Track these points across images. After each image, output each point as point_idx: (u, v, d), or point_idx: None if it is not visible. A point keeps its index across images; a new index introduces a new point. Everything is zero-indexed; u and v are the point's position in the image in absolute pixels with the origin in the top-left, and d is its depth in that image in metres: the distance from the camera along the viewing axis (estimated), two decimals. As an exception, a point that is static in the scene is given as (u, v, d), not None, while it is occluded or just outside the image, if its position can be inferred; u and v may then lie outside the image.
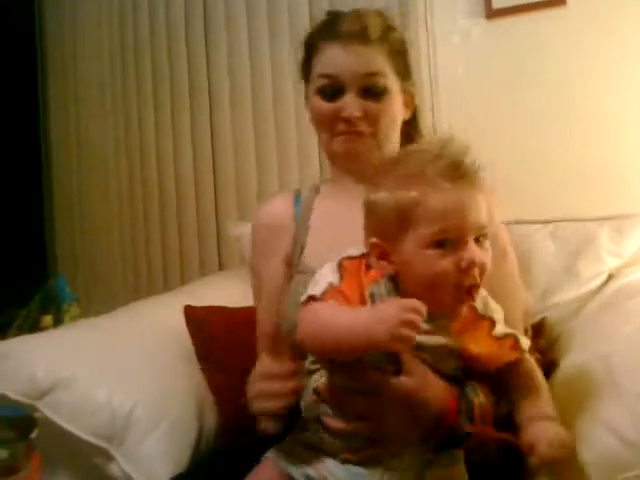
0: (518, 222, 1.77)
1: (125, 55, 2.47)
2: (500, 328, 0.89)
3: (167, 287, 2.30)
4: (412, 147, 0.95)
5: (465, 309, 0.86)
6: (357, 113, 1.07)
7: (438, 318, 0.84)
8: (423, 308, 0.76)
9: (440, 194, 0.82)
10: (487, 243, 0.86)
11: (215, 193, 2.37)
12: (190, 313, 1.46)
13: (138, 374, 1.31)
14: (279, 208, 1.20)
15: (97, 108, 2.54)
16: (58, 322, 2.02)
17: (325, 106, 1.10)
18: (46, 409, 1.24)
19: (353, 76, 1.08)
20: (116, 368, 1.32)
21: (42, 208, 2.69)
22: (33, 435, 1.38)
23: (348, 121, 1.08)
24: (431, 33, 2.03)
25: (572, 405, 0.99)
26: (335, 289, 0.85)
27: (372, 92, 1.09)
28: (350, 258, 0.90)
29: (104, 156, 2.54)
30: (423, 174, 0.84)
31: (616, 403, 0.91)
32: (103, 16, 2.51)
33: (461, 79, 2.00)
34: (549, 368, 1.17)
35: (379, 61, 1.10)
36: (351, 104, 1.07)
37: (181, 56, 2.37)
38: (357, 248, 0.91)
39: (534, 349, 1.20)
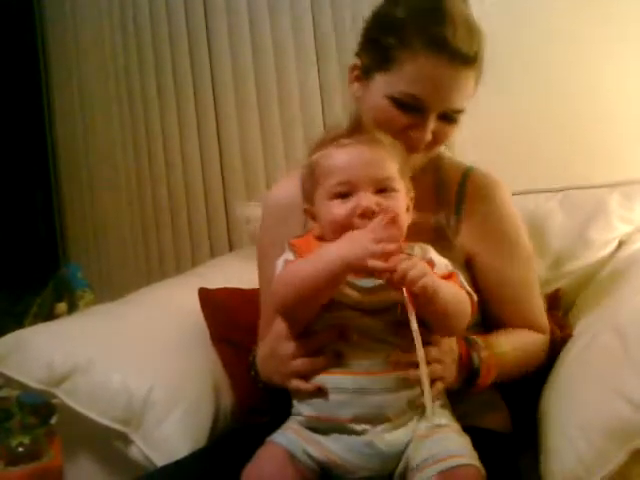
0: (527, 192, 1.76)
1: (127, 40, 2.46)
2: (442, 267, 0.93)
3: (179, 270, 2.32)
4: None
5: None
6: (429, 137, 1.02)
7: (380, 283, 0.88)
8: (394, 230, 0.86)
9: (337, 151, 0.91)
10: (394, 194, 0.90)
11: (222, 174, 2.37)
12: (204, 295, 1.46)
13: (154, 357, 1.33)
14: (288, 191, 1.16)
15: (102, 94, 2.54)
16: (72, 309, 2.04)
17: (401, 120, 1.01)
18: (64, 395, 1.26)
19: (441, 103, 1.00)
20: (132, 352, 1.33)
21: (52, 197, 2.70)
22: (53, 421, 1.41)
23: (419, 140, 1.02)
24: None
25: (585, 374, 0.99)
26: (292, 262, 0.92)
27: (449, 118, 1.03)
28: (297, 237, 0.98)
29: (112, 143, 2.55)
30: (329, 137, 0.93)
31: (629, 371, 0.90)
32: (103, 10, 2.50)
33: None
34: (568, 339, 1.18)
35: (470, 87, 1.03)
36: (429, 129, 1.01)
37: (183, 40, 2.36)
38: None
39: (553, 323, 1.21)
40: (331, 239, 0.89)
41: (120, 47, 2.48)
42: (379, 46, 1.02)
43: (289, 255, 0.93)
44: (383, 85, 1.02)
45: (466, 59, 0.98)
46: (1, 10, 2.59)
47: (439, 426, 0.86)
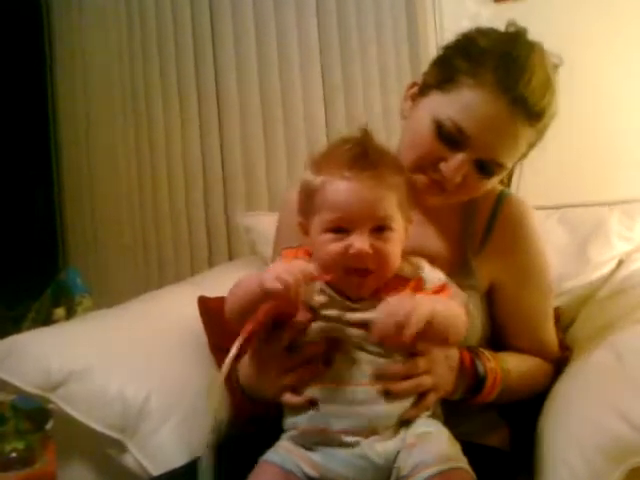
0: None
1: (133, 46, 2.47)
2: (435, 281, 0.92)
3: (178, 278, 2.31)
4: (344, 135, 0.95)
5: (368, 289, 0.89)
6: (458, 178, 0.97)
7: (365, 300, 0.89)
8: (310, 267, 0.85)
9: (337, 184, 0.87)
10: (389, 233, 0.88)
11: (224, 183, 2.37)
12: (203, 304, 1.46)
13: (151, 365, 1.32)
14: None
15: (106, 98, 2.55)
16: (70, 314, 2.04)
17: (437, 149, 0.96)
18: (60, 401, 1.25)
19: (484, 146, 0.94)
20: (129, 359, 1.33)
21: (52, 201, 2.70)
22: (48, 426, 1.40)
23: (447, 178, 0.97)
24: (439, 17, 2.02)
25: (582, 392, 0.99)
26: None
27: (487, 170, 0.97)
28: (288, 248, 0.98)
29: (113, 148, 2.55)
30: (330, 161, 0.89)
31: (626, 389, 0.91)
32: (110, 11, 2.51)
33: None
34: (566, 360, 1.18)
35: (521, 146, 0.98)
36: (462, 170, 0.95)
37: (188, 50, 2.37)
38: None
39: (559, 345, 1.21)
40: (319, 272, 0.88)
41: (126, 54, 2.49)
42: (448, 65, 0.98)
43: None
44: (435, 105, 0.96)
45: (529, 111, 0.92)
46: (7, 10, 2.60)
47: (428, 433, 0.86)
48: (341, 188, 0.87)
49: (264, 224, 1.81)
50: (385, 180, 0.88)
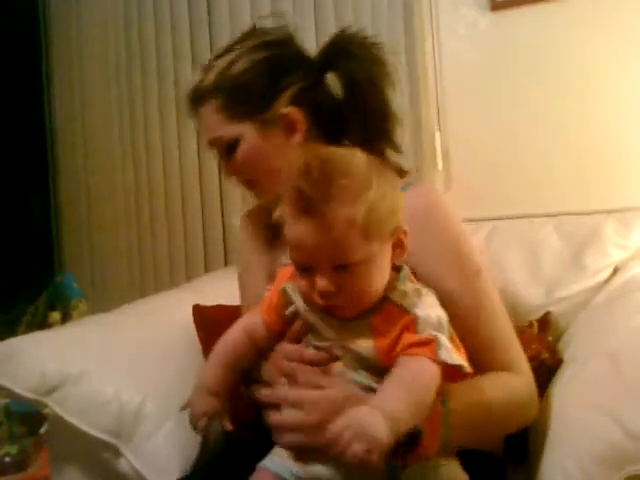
0: (522, 216, 1.77)
1: (130, 51, 2.47)
2: (427, 328, 0.80)
3: (173, 283, 2.31)
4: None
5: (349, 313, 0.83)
6: None
7: (356, 319, 0.83)
8: None
9: (290, 224, 0.80)
10: (355, 268, 0.79)
11: (220, 188, 2.37)
12: (198, 313, 1.46)
13: (146, 370, 1.32)
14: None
15: (102, 104, 2.55)
16: (66, 319, 2.03)
17: None
18: (55, 405, 1.25)
19: None
20: (124, 364, 1.33)
21: (49, 205, 2.70)
22: (42, 430, 1.40)
23: None
24: (436, 25, 2.03)
25: (578, 399, 0.99)
26: (265, 298, 0.92)
27: None
28: (285, 265, 0.92)
29: (110, 153, 2.55)
30: (285, 196, 0.81)
31: (622, 396, 0.91)
32: (108, 15, 2.50)
33: (466, 70, 2.00)
34: (557, 365, 1.18)
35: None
36: None
37: (185, 51, 2.36)
38: None
39: (542, 347, 1.21)
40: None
41: (123, 60, 2.48)
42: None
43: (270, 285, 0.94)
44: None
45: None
46: (4, 12, 2.59)
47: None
48: (292, 230, 0.80)
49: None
50: (335, 219, 0.76)
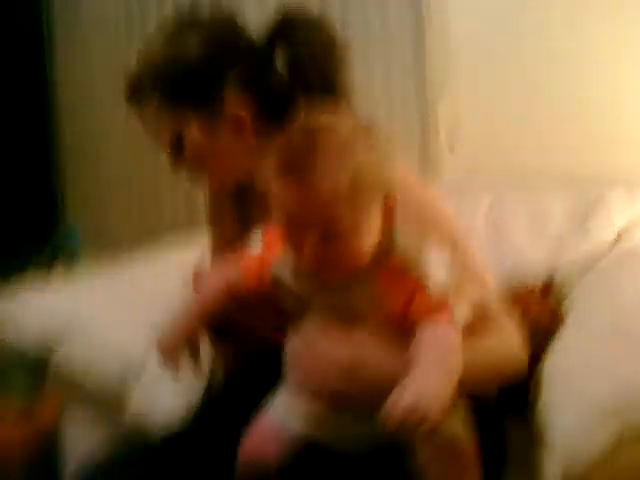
0: (528, 182, 1.77)
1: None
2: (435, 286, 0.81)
3: (178, 231, 2.31)
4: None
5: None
6: None
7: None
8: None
9: (274, 195, 0.79)
10: (339, 236, 0.78)
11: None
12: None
13: (151, 317, 1.33)
14: None
15: (104, 52, 2.52)
16: (70, 270, 2.04)
17: None
18: (61, 355, 1.27)
19: None
20: (129, 312, 1.35)
21: (51, 156, 2.68)
22: (48, 381, 1.41)
23: None
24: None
25: (579, 354, 1.01)
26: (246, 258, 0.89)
27: None
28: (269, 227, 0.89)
29: (113, 102, 2.52)
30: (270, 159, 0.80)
31: (624, 352, 0.92)
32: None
33: (473, 30, 1.95)
34: (557, 327, 1.19)
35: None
36: None
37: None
38: None
39: (544, 310, 1.22)
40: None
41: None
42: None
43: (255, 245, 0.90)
44: None
45: None
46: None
47: None
48: (278, 198, 0.79)
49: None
50: (320, 186, 0.76)
